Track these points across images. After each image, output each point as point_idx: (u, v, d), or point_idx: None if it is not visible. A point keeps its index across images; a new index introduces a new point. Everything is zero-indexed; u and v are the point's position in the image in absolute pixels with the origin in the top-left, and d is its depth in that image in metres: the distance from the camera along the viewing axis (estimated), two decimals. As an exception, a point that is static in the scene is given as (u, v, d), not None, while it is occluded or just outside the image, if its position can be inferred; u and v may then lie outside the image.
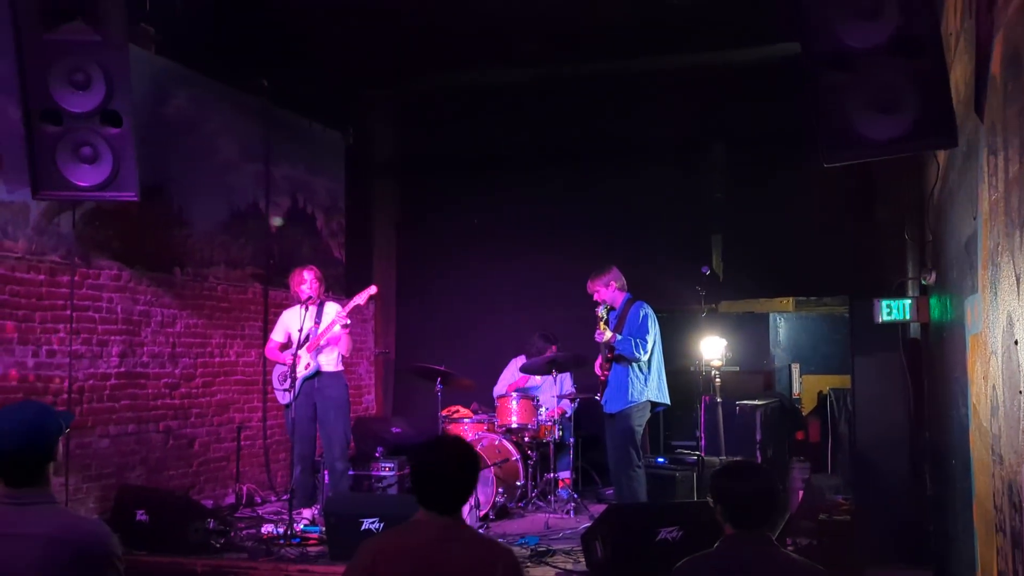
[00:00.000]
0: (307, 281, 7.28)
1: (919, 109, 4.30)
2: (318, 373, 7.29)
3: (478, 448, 7.33)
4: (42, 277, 6.66)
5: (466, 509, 6.72)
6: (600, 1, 7.91)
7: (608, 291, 7.15)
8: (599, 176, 9.70)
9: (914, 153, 5.45)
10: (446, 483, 2.98)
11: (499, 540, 6.22)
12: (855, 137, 4.44)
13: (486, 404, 8.51)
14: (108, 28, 5.91)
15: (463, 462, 3.04)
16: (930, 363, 6.22)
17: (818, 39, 4.45)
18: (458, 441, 3.25)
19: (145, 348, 7.55)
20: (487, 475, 7.21)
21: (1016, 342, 3.28)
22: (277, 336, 7.54)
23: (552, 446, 7.86)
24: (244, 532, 6.81)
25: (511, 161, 9.83)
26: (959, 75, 4.64)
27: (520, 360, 8.61)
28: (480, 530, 6.70)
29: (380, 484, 8.07)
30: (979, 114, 4.01)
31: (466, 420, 8.13)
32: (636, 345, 6.90)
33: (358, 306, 7.43)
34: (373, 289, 7.40)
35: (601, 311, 7.09)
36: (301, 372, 7.14)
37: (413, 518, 3.02)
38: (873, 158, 4.77)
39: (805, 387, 9.87)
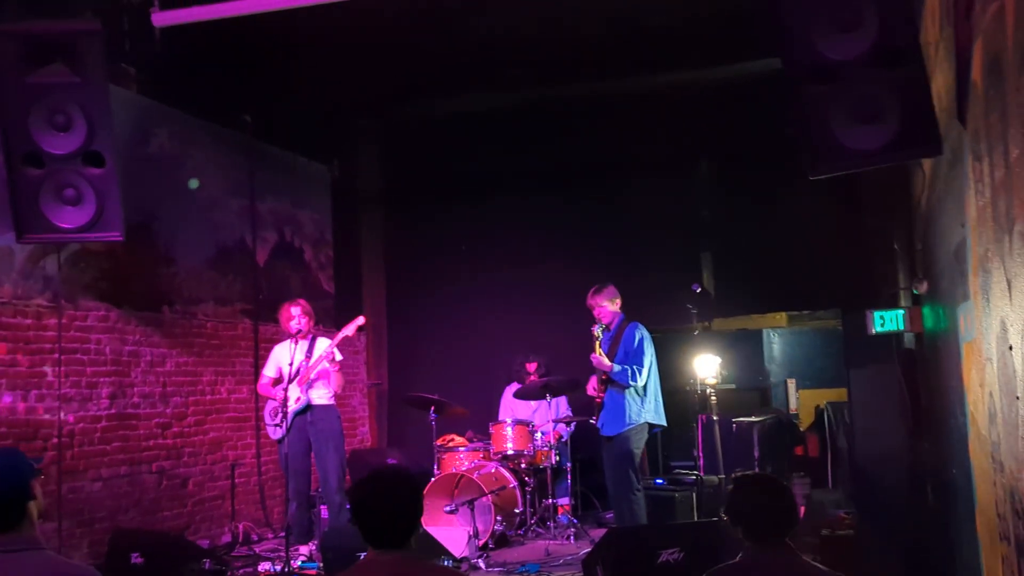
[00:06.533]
0: (295, 317, 7.26)
1: (902, 118, 4.29)
2: (309, 407, 7.25)
3: (475, 476, 7.27)
4: (29, 321, 6.60)
5: (464, 538, 6.65)
6: (581, 24, 7.92)
7: (610, 307, 7.08)
8: (587, 198, 9.68)
9: (899, 163, 5.44)
10: (388, 517, 2.87)
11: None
12: (839, 149, 4.43)
13: (481, 431, 8.43)
14: (87, 69, 5.86)
15: (402, 492, 2.92)
16: (926, 373, 6.18)
17: (799, 53, 4.44)
18: (396, 471, 3.16)
19: (135, 388, 7.48)
20: (485, 503, 7.14)
21: (1011, 347, 3.25)
22: (269, 371, 7.51)
23: (549, 471, 7.79)
24: (241, 571, 6.74)
25: (498, 186, 9.80)
26: (940, 84, 4.64)
27: (514, 388, 8.55)
28: (479, 560, 6.62)
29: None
30: (962, 121, 4.01)
31: (461, 448, 8.05)
32: (633, 373, 6.83)
33: (348, 337, 7.42)
34: (361, 320, 7.39)
35: (597, 330, 7.01)
36: (292, 407, 7.11)
37: (363, 559, 2.92)
38: (858, 169, 4.75)
39: (802, 402, 9.83)
